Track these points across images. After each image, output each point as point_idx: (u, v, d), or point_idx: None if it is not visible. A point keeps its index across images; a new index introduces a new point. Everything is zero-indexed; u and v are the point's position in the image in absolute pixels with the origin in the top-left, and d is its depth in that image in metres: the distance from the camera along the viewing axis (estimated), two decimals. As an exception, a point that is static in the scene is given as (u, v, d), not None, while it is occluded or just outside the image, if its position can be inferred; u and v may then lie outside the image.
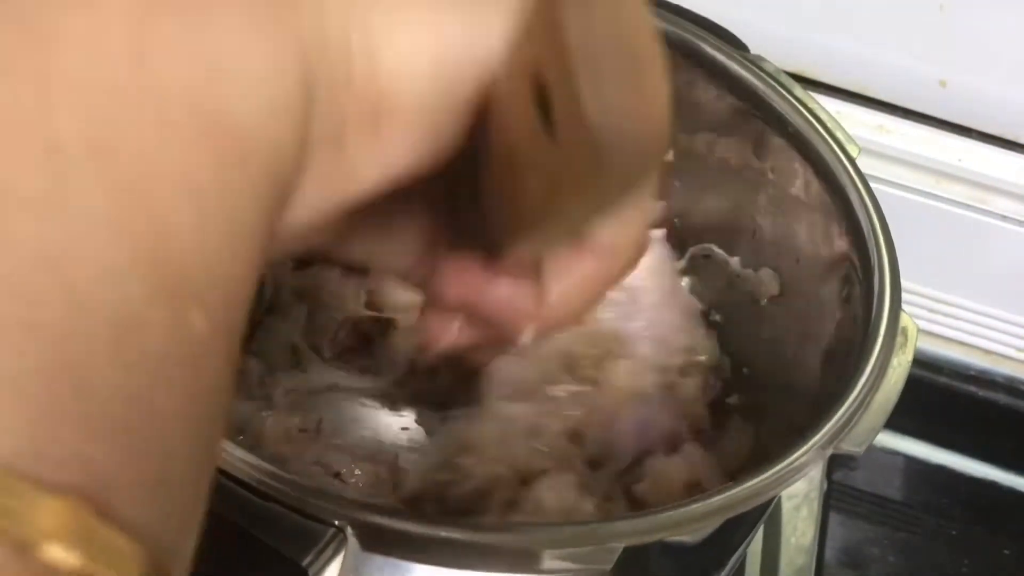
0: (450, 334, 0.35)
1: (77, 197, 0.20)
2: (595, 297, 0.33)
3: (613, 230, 0.31)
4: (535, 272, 0.32)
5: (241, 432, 0.60)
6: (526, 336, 0.33)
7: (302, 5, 0.25)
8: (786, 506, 0.74)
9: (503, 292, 0.32)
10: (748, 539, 0.59)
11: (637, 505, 0.63)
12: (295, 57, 0.24)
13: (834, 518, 0.79)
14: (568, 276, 0.32)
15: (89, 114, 0.20)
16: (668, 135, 0.26)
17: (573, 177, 0.26)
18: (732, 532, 0.54)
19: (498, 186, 0.30)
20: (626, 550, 0.42)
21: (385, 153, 0.27)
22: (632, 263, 0.33)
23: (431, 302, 0.34)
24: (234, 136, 0.22)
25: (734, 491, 0.45)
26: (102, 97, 0.21)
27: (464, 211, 0.32)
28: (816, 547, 0.73)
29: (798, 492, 0.74)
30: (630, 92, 0.24)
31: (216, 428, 0.23)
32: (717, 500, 0.44)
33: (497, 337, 0.34)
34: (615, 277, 0.33)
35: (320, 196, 0.27)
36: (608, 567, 0.42)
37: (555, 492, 0.59)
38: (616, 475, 0.64)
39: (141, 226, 0.20)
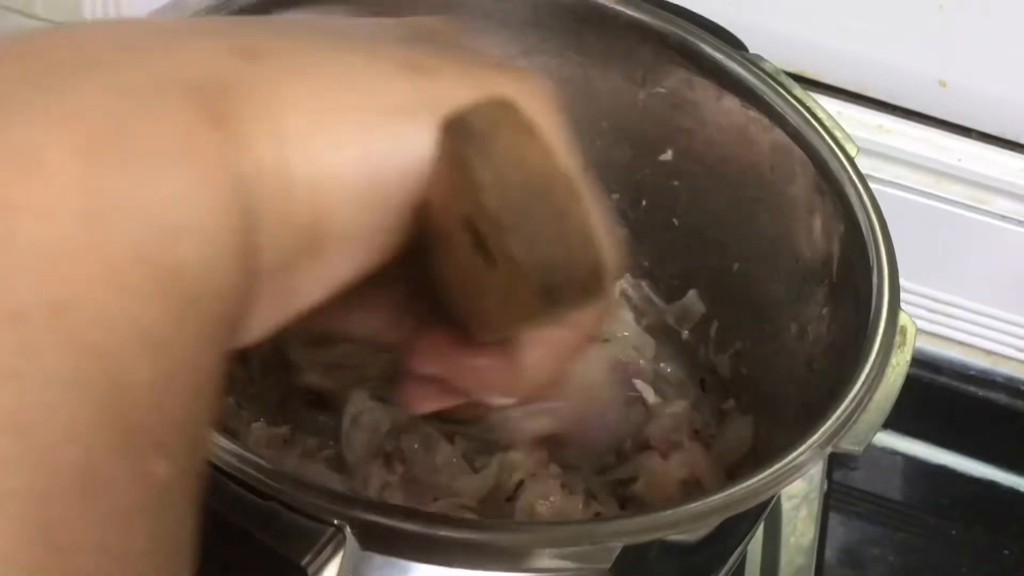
0: (428, 402, 0.36)
1: (41, 362, 0.20)
2: (565, 364, 0.34)
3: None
4: (508, 344, 0.33)
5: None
6: (499, 403, 0.34)
7: (236, 138, 0.25)
8: (786, 506, 0.74)
9: (475, 365, 0.33)
10: (747, 538, 0.58)
11: (631, 506, 0.63)
12: (234, 195, 0.25)
13: (834, 518, 0.79)
14: (539, 347, 0.33)
15: (47, 278, 0.21)
16: (604, 260, 0.27)
17: (520, 302, 0.28)
18: (731, 531, 0.54)
19: (454, 296, 0.31)
20: (625, 549, 0.42)
21: (327, 270, 0.28)
22: (598, 329, 0.34)
23: (408, 372, 0.35)
24: (184, 284, 0.23)
25: (733, 490, 0.45)
26: (57, 259, 0.21)
27: (434, 290, 0.33)
28: (816, 547, 0.73)
29: (798, 492, 0.75)
30: (552, 233, 0.26)
31: (180, 558, 0.24)
32: (716, 499, 0.44)
33: (473, 403, 0.35)
34: (582, 345, 0.34)
35: (269, 315, 0.28)
36: (607, 566, 0.42)
37: (542, 499, 0.59)
38: (608, 480, 0.64)
39: (102, 385, 0.21)
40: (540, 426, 0.62)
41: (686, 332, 0.72)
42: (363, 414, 0.60)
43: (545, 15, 0.66)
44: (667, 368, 0.72)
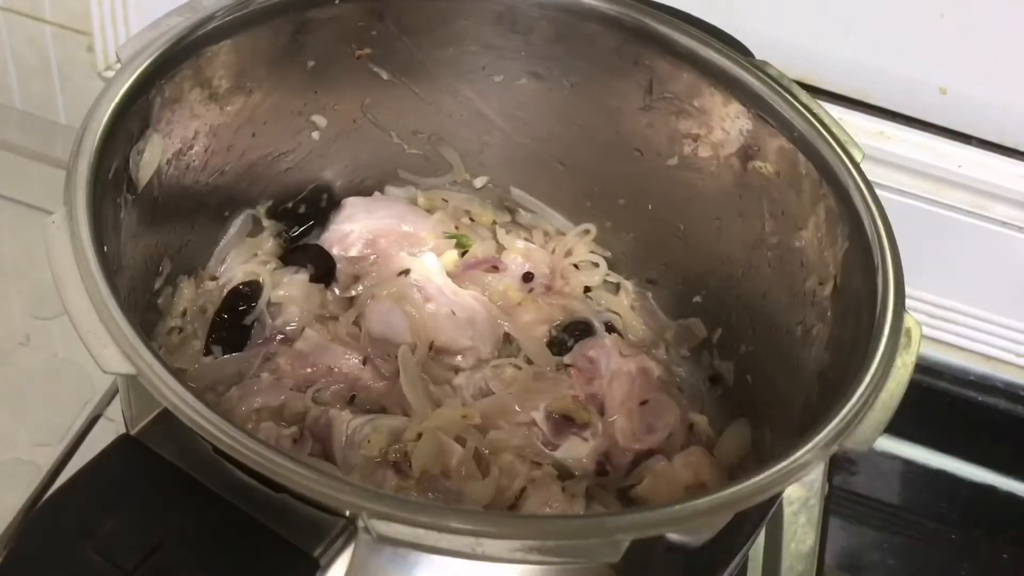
0: None
1: None
2: None
3: None
4: None
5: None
6: None
7: None
8: (787, 512, 0.74)
9: None
10: (750, 542, 0.59)
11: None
12: None
13: (834, 522, 0.79)
14: None
15: None
16: None
17: None
18: (734, 535, 0.54)
19: None
20: (631, 551, 0.42)
21: None
22: None
23: None
24: None
25: (739, 487, 0.45)
26: None
27: None
28: (817, 553, 0.73)
29: (798, 498, 0.75)
30: None
31: None
32: (723, 495, 0.44)
33: None
34: None
35: None
36: (615, 560, 0.42)
37: (544, 505, 0.60)
38: (612, 483, 0.64)
39: None
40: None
41: (685, 349, 0.73)
42: (354, 433, 0.60)
43: (554, 20, 0.67)
44: (679, 369, 0.72)
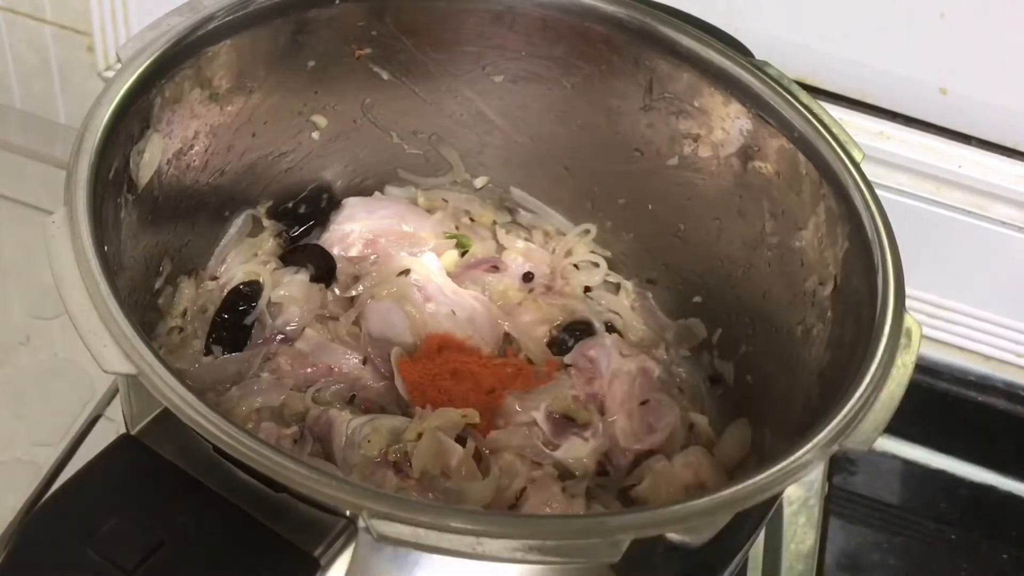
0: None
1: None
2: None
3: None
4: None
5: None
6: None
7: None
8: (787, 512, 0.74)
9: None
10: (750, 542, 0.59)
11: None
12: None
13: (834, 523, 0.79)
14: None
15: None
16: None
17: None
18: (734, 535, 0.54)
19: None
20: (631, 551, 0.42)
21: None
22: None
23: None
24: None
25: (739, 487, 0.45)
26: None
27: None
28: (816, 553, 0.74)
29: (798, 498, 0.75)
30: None
31: None
32: (724, 495, 0.45)
33: None
34: None
35: None
36: (615, 560, 0.42)
37: (544, 505, 0.60)
38: (613, 483, 0.64)
39: None
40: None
41: (685, 349, 0.73)
42: (354, 433, 0.60)
43: (554, 20, 0.67)
44: (680, 369, 0.72)
